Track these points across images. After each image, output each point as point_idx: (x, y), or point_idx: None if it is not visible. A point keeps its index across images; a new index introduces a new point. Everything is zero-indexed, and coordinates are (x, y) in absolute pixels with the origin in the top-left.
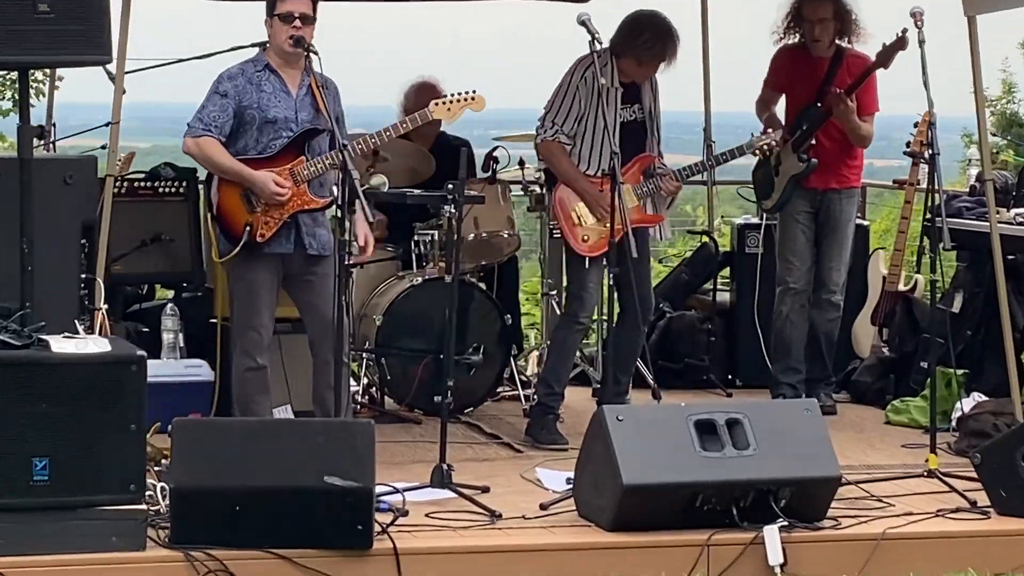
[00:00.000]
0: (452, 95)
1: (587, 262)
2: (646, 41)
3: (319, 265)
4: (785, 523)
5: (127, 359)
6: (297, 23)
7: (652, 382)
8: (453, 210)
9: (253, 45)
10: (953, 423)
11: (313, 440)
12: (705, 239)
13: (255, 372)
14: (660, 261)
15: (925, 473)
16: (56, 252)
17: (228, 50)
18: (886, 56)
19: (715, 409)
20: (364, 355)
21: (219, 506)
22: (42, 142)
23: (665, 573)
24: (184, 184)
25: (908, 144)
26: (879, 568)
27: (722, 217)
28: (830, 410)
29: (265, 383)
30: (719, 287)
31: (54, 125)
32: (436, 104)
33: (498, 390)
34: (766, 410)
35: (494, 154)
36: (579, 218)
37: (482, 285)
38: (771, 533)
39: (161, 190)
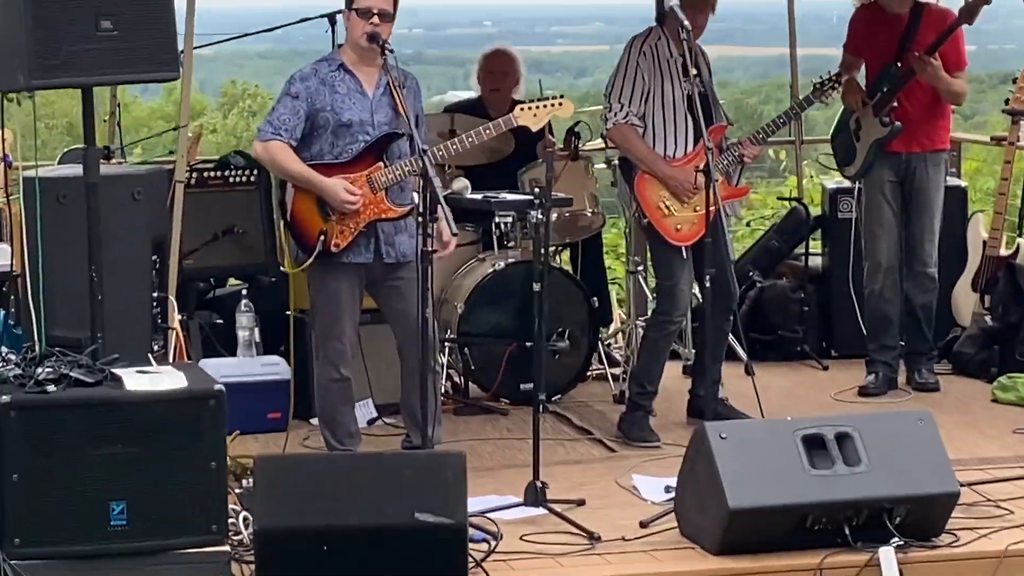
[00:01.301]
0: (539, 100)
1: (684, 253)
2: None
3: (403, 270)
4: (901, 542)
5: (204, 394)
6: (375, 19)
7: (744, 356)
8: (541, 216)
9: (321, 16)
10: None
11: (401, 474)
12: (794, 204)
13: (339, 384)
14: (748, 224)
15: None
16: (126, 272)
17: (297, 22)
18: (970, 11)
19: (823, 423)
20: (446, 343)
21: (306, 547)
22: (110, 161)
23: None
24: (256, 172)
25: (1007, 101)
26: None
27: (811, 176)
28: (933, 387)
29: (349, 394)
30: (811, 252)
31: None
32: (522, 109)
33: (587, 373)
34: (877, 422)
35: (575, 129)
36: (667, 207)
37: (567, 267)
38: (887, 554)
39: (232, 179)
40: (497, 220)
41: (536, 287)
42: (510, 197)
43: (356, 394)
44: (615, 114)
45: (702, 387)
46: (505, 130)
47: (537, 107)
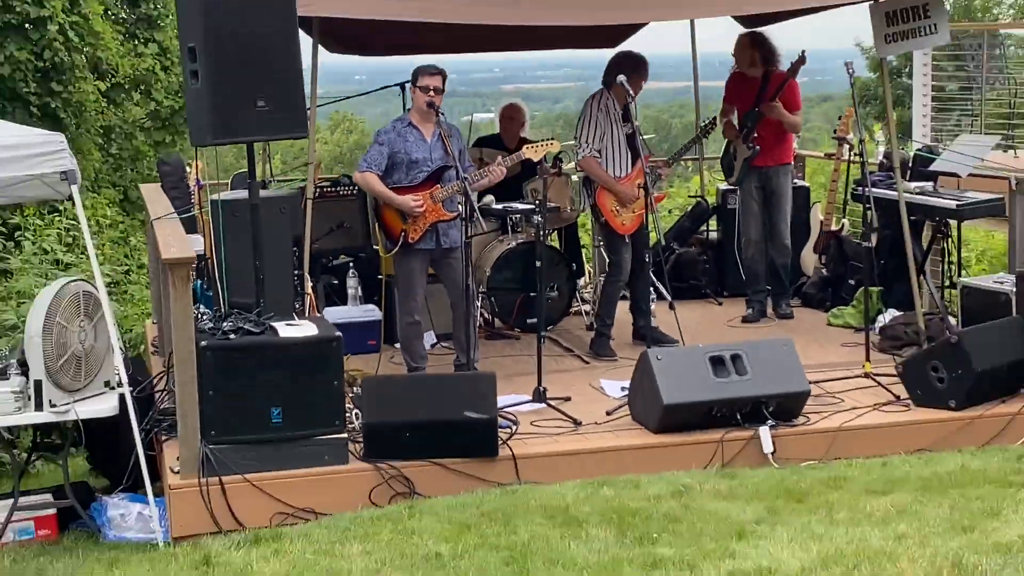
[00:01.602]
0: (539, 141)
1: (626, 239)
2: (633, 69)
3: (454, 253)
4: (773, 423)
5: (329, 339)
6: (432, 93)
7: (668, 297)
8: (539, 219)
9: (396, 84)
10: (877, 329)
11: (456, 387)
12: (699, 199)
13: (413, 326)
14: (669, 212)
15: (863, 375)
16: (277, 258)
17: (380, 88)
18: (793, 70)
19: (723, 348)
20: (479, 295)
21: (395, 433)
22: (265, 187)
23: (695, 463)
24: (357, 188)
25: (835, 131)
26: (838, 450)
27: (710, 180)
28: (789, 316)
29: (420, 332)
30: (710, 230)
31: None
32: (527, 148)
33: (569, 310)
34: (757, 347)
35: (559, 156)
36: (616, 210)
37: (555, 244)
38: (764, 431)
39: (342, 193)
40: (510, 217)
41: (538, 264)
42: (520, 207)
43: (423, 328)
44: (583, 149)
45: (640, 319)
46: (516, 161)
47: (537, 146)
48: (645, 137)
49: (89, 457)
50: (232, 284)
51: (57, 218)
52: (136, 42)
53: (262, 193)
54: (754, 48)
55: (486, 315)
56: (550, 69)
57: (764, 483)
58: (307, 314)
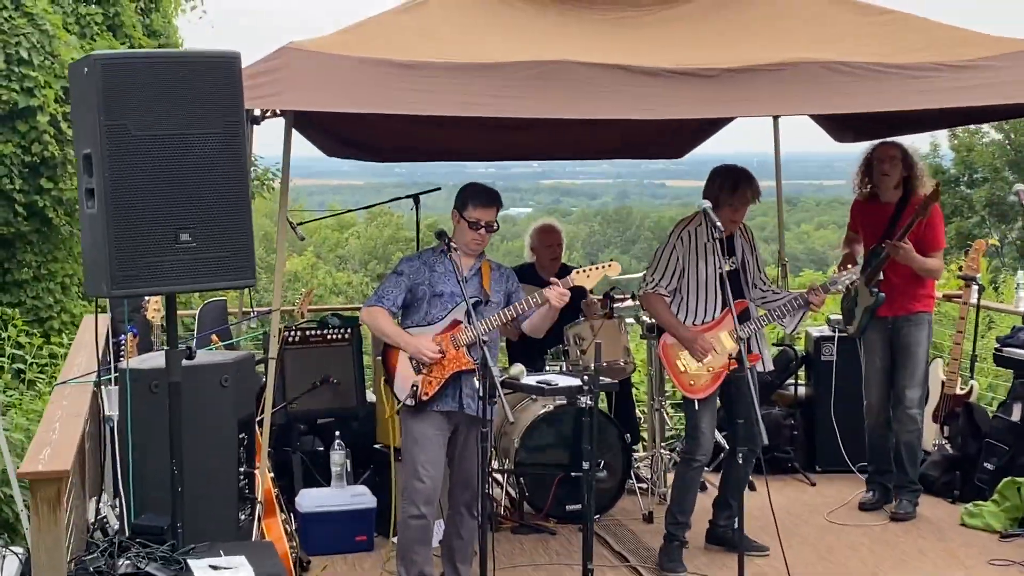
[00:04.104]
0: (592, 265)
1: (696, 404)
2: (731, 188)
3: (475, 429)
4: None
5: None
6: (483, 231)
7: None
8: (589, 401)
9: (408, 196)
10: None
11: None
12: (784, 347)
13: (417, 521)
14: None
15: None
16: (214, 452)
17: (388, 201)
18: (925, 207)
19: None
20: (503, 471)
21: None
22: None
23: None
24: (348, 331)
25: (961, 268)
26: None
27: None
28: (909, 516)
29: (426, 533)
30: (798, 384)
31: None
32: (577, 273)
33: (623, 491)
34: None
35: (611, 293)
36: (683, 366)
37: (604, 408)
38: None
39: (329, 337)
40: (547, 369)
41: (585, 464)
42: (562, 383)
43: (438, 514)
44: (648, 284)
45: (722, 518)
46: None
47: (590, 270)
48: None
49: None
50: (143, 496)
51: None
52: None
53: (199, 358)
54: (905, 163)
55: (513, 496)
56: (589, 165)
57: None
58: (254, 534)
